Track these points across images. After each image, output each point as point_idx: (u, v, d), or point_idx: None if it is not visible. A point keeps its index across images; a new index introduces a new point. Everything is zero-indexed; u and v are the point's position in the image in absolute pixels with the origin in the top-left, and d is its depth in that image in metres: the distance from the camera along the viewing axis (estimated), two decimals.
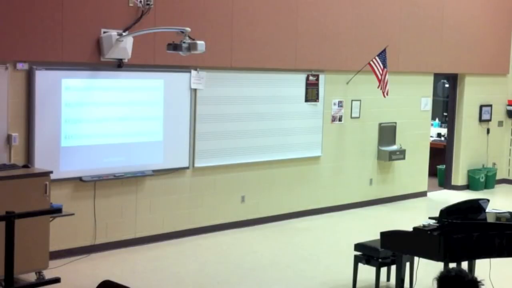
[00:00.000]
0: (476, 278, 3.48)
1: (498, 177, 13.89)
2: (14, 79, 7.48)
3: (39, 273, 7.10)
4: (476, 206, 6.96)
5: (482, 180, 13.37)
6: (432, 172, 13.33)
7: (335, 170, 11.00)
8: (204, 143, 9.22)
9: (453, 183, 13.33)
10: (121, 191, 8.46)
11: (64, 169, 7.85)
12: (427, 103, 12.46)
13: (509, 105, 13.94)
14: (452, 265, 6.52)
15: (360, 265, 7.14)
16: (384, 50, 10.51)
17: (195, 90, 9.06)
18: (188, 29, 7.42)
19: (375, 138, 11.56)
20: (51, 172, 7.15)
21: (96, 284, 4.05)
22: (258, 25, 9.62)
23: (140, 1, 8.29)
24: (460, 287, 3.45)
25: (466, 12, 12.81)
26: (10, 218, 4.21)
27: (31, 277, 7.06)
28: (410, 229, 6.61)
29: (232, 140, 9.56)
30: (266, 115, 9.87)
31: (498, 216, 7.00)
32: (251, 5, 9.52)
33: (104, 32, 8.02)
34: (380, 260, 7.01)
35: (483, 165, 13.61)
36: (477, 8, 13.05)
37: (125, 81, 8.40)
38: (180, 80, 8.91)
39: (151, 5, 8.34)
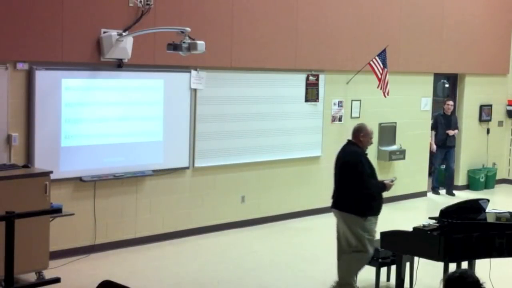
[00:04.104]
0: (478, 280, 3.48)
1: (498, 177, 13.89)
2: (14, 79, 7.47)
3: (39, 273, 7.10)
4: (476, 206, 6.95)
5: (482, 180, 13.36)
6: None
7: None
8: (204, 143, 9.21)
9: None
10: (121, 191, 8.46)
11: (64, 169, 7.85)
12: (427, 103, 12.46)
13: (509, 105, 13.94)
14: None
15: None
16: (384, 50, 10.51)
17: (195, 90, 9.06)
18: (188, 29, 7.42)
19: (375, 138, 11.50)
20: (51, 172, 7.15)
21: (96, 284, 4.04)
22: (258, 25, 9.62)
23: (140, 1, 8.28)
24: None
25: (466, 12, 12.80)
26: (10, 218, 4.21)
27: (31, 277, 7.06)
28: (410, 229, 6.62)
29: (232, 140, 9.56)
30: (266, 115, 9.87)
31: (498, 216, 7.00)
32: (251, 5, 9.51)
33: (104, 32, 8.02)
34: (380, 260, 7.01)
35: (483, 165, 13.61)
36: (477, 8, 13.05)
37: (125, 81, 8.40)
38: (180, 80, 8.91)
39: (151, 5, 8.34)
